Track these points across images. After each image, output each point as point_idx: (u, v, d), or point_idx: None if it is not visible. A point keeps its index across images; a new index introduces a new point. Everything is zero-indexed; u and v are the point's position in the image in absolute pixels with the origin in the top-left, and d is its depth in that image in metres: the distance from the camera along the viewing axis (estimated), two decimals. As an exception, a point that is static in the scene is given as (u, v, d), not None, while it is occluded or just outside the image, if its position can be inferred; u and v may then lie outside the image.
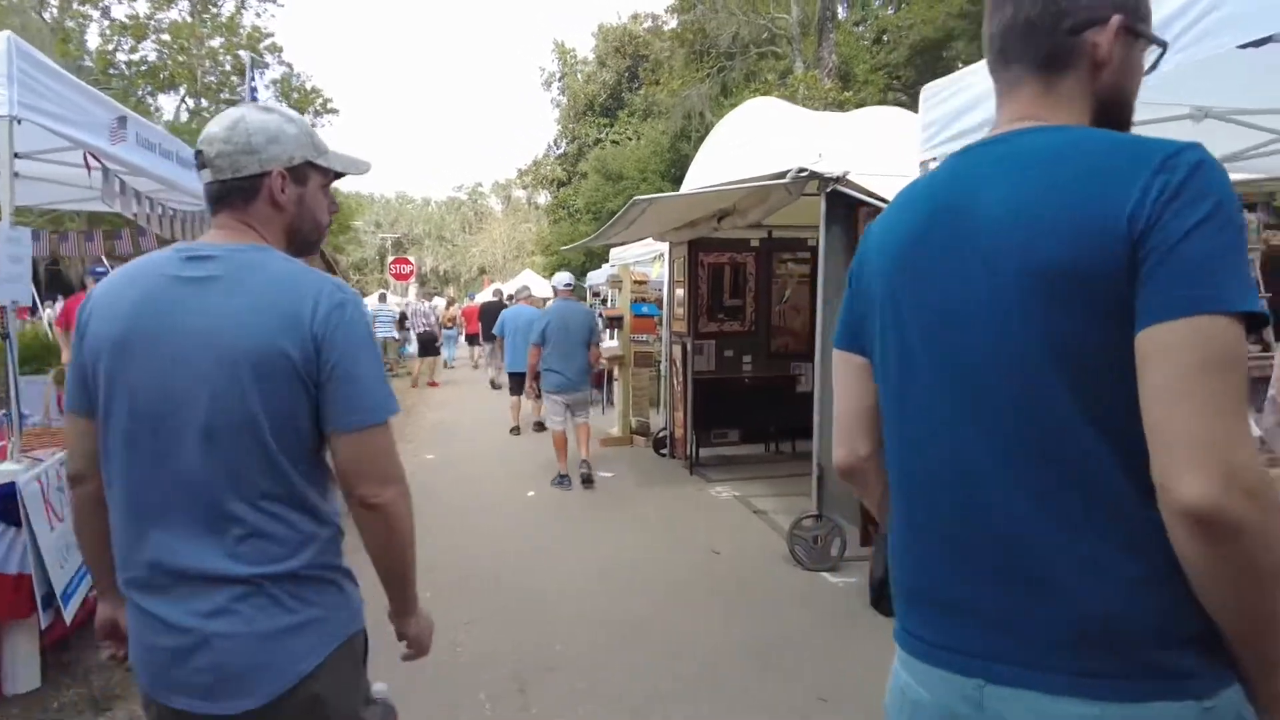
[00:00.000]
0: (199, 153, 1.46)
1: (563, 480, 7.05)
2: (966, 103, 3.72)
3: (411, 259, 26.20)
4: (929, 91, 4.02)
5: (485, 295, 19.39)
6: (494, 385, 14.46)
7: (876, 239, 1.25)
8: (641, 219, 6.03)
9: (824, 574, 4.81)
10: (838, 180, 4.74)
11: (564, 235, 25.79)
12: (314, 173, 1.54)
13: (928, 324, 1.11)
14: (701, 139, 19.80)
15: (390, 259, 29.02)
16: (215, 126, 1.46)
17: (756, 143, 5.75)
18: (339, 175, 1.61)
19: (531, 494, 6.92)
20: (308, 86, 29.27)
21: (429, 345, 15.62)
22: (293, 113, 1.56)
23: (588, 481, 7.07)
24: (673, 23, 25.76)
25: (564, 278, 7.71)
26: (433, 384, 15.66)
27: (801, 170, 4.79)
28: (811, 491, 4.95)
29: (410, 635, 1.62)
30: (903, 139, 5.62)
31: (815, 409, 4.95)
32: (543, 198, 39.35)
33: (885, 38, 21.73)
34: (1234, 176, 4.40)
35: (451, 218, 68.94)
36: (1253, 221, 4.48)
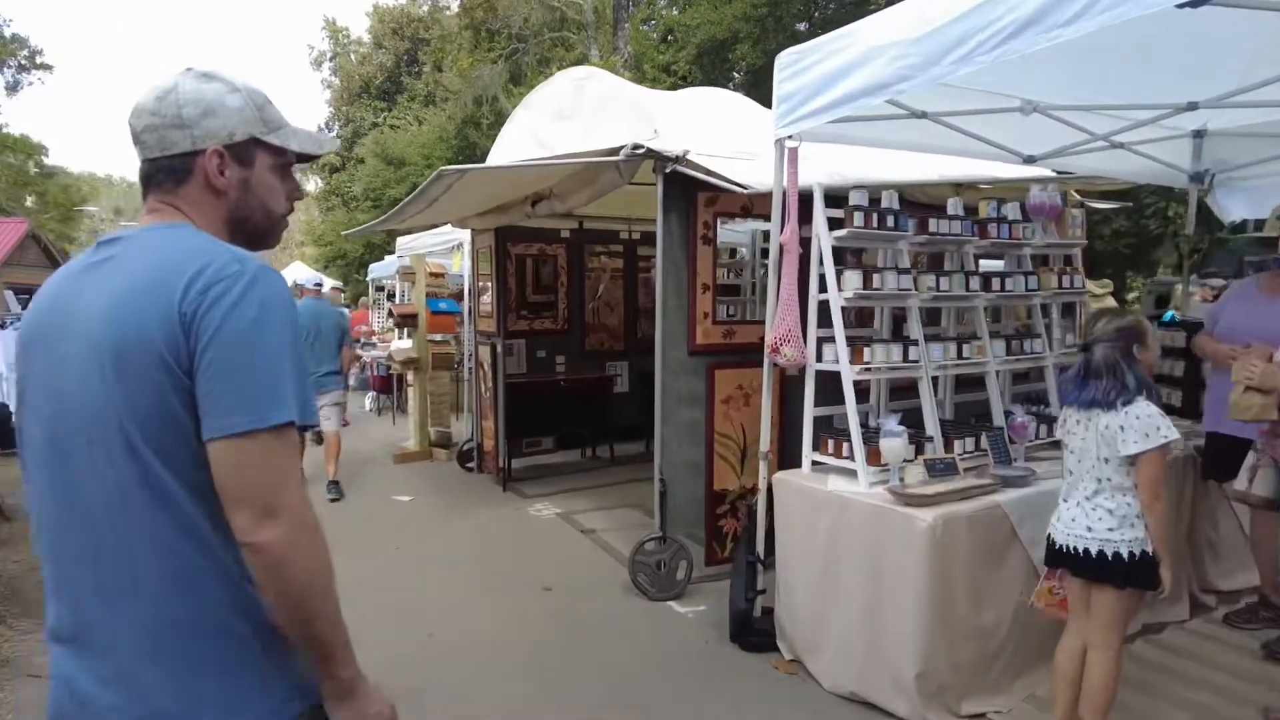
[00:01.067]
0: (130, 126, 1.27)
1: (335, 488, 6.51)
2: (833, 72, 3.27)
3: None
4: (785, 60, 3.56)
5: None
6: None
7: None
8: (446, 198, 5.16)
9: (671, 603, 4.27)
10: (677, 160, 4.20)
11: (338, 224, 23.95)
12: (263, 152, 1.31)
13: None
14: (493, 125, 19.00)
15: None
16: (145, 96, 1.27)
17: (578, 117, 5.10)
18: (308, 157, 1.39)
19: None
20: (6, 34, 24.55)
21: None
22: (239, 80, 1.31)
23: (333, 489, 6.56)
24: (455, 6, 24.57)
25: (315, 276, 7.33)
26: None
27: (637, 147, 4.20)
28: (654, 509, 4.38)
29: None
30: (740, 120, 5.24)
31: (657, 414, 4.38)
32: (312, 184, 36.39)
33: (671, 37, 21.95)
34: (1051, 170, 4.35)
35: (206, 205, 63.27)
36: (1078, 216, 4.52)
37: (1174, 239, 14.26)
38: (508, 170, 4.94)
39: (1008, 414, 3.81)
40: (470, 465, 7.48)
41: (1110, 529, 2.63)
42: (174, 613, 1.13)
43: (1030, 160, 4.54)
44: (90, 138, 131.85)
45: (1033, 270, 4.21)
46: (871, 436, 3.40)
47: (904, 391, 4.07)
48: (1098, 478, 2.69)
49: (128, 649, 1.14)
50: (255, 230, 1.34)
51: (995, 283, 3.97)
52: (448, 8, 26.16)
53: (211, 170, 1.26)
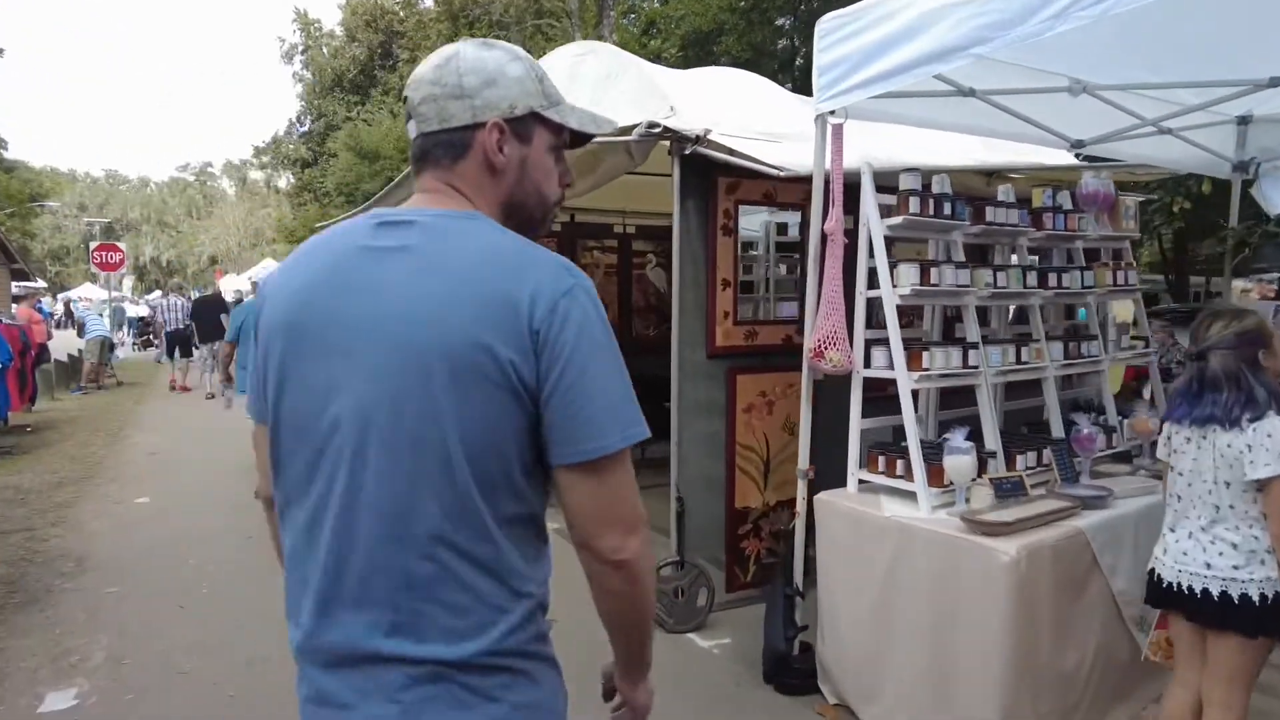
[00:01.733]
0: (406, 99, 1.18)
1: None
2: (887, 37, 2.85)
3: (124, 247, 22.41)
4: (827, 26, 3.14)
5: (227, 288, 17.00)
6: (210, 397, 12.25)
7: None
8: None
9: (692, 636, 3.85)
10: (698, 140, 3.76)
11: (310, 219, 23.38)
12: (541, 129, 1.19)
13: None
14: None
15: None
16: (424, 66, 1.17)
17: (574, 97, 4.64)
18: (580, 139, 1.25)
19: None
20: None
21: (185, 345, 13.65)
22: (519, 50, 1.20)
23: None
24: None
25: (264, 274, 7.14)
26: (185, 388, 13.62)
27: (652, 126, 3.76)
28: (670, 530, 3.94)
29: (636, 703, 1.27)
30: (761, 101, 4.82)
31: (674, 425, 3.94)
32: (284, 180, 35.64)
33: (654, 29, 21.53)
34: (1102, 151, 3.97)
35: (175, 201, 62.33)
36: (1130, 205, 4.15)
37: (1156, 236, 14.10)
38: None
39: (1069, 424, 3.42)
40: (456, 475, 7.00)
41: (1235, 566, 2.25)
42: (464, 650, 1.04)
43: (1079, 144, 4.17)
44: (54, 133, 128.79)
45: (1087, 265, 3.83)
46: (931, 453, 2.99)
47: (948, 398, 3.68)
48: (1215, 505, 2.30)
49: (408, 686, 1.04)
50: (528, 217, 1.20)
51: (1051, 278, 3.59)
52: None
53: (490, 146, 1.14)
